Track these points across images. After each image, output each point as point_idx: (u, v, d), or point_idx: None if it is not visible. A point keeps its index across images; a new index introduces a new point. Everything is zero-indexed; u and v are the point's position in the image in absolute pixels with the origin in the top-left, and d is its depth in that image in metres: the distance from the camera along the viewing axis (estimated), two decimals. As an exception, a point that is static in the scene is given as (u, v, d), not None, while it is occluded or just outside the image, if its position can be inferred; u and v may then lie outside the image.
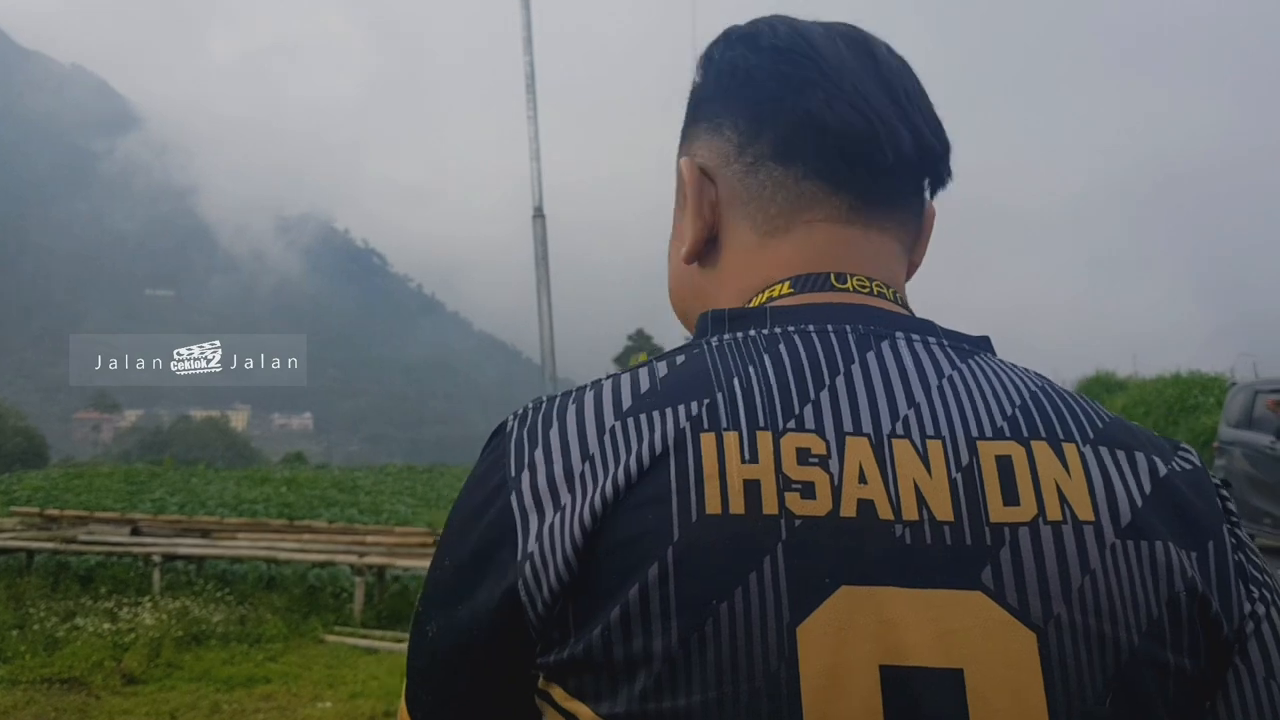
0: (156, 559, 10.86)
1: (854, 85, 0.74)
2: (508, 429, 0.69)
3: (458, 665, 0.67)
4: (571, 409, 0.67)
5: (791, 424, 0.64)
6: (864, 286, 0.74)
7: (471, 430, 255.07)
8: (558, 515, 0.63)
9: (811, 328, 0.70)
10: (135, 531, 11.61)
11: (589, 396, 0.68)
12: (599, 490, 0.62)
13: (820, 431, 0.63)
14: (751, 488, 0.61)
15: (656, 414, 0.64)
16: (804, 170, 0.75)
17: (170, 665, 8.57)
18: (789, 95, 0.75)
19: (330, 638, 9.85)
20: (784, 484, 0.61)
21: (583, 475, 0.63)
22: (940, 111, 0.79)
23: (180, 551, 10.94)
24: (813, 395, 0.65)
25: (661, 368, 0.69)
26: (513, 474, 0.66)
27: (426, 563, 10.01)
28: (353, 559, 10.51)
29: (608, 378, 0.70)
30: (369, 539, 10.91)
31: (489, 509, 0.66)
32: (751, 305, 0.75)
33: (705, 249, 0.80)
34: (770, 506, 0.61)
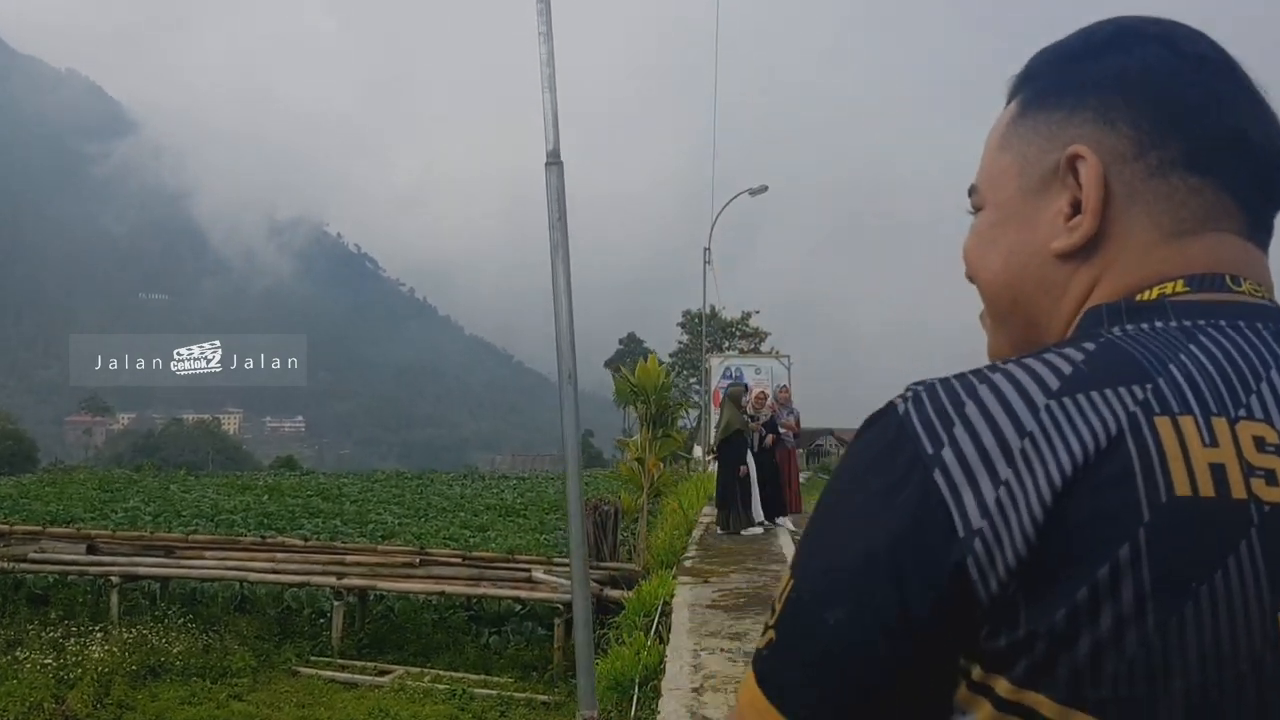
0: (115, 580, 9.85)
1: (1269, 108, 0.77)
2: (900, 410, 0.67)
3: (871, 656, 0.64)
4: (983, 388, 0.66)
5: (1243, 412, 0.64)
6: (1257, 291, 0.74)
7: (462, 433, 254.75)
8: (1002, 490, 0.62)
9: (1224, 323, 0.70)
10: (92, 549, 10.58)
11: (999, 378, 0.66)
12: (1052, 467, 0.61)
13: (1270, 421, 0.64)
14: (1217, 471, 0.62)
15: (1097, 395, 0.64)
16: (1218, 183, 0.75)
17: (121, 706, 7.59)
18: (1213, 108, 0.75)
19: (304, 670, 8.86)
20: (1248, 470, 0.62)
21: (1023, 451, 0.62)
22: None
23: (141, 572, 9.93)
24: (1254, 386, 0.66)
25: (1074, 353, 0.67)
26: (929, 449, 0.64)
27: (413, 585, 8.96)
28: (331, 580, 9.52)
29: (1005, 364, 0.68)
30: (349, 558, 9.89)
31: (904, 487, 0.64)
32: (1141, 300, 0.74)
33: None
34: (1239, 491, 0.61)
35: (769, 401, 12.72)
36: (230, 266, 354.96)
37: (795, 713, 0.65)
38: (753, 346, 48.55)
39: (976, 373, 0.67)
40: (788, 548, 10.88)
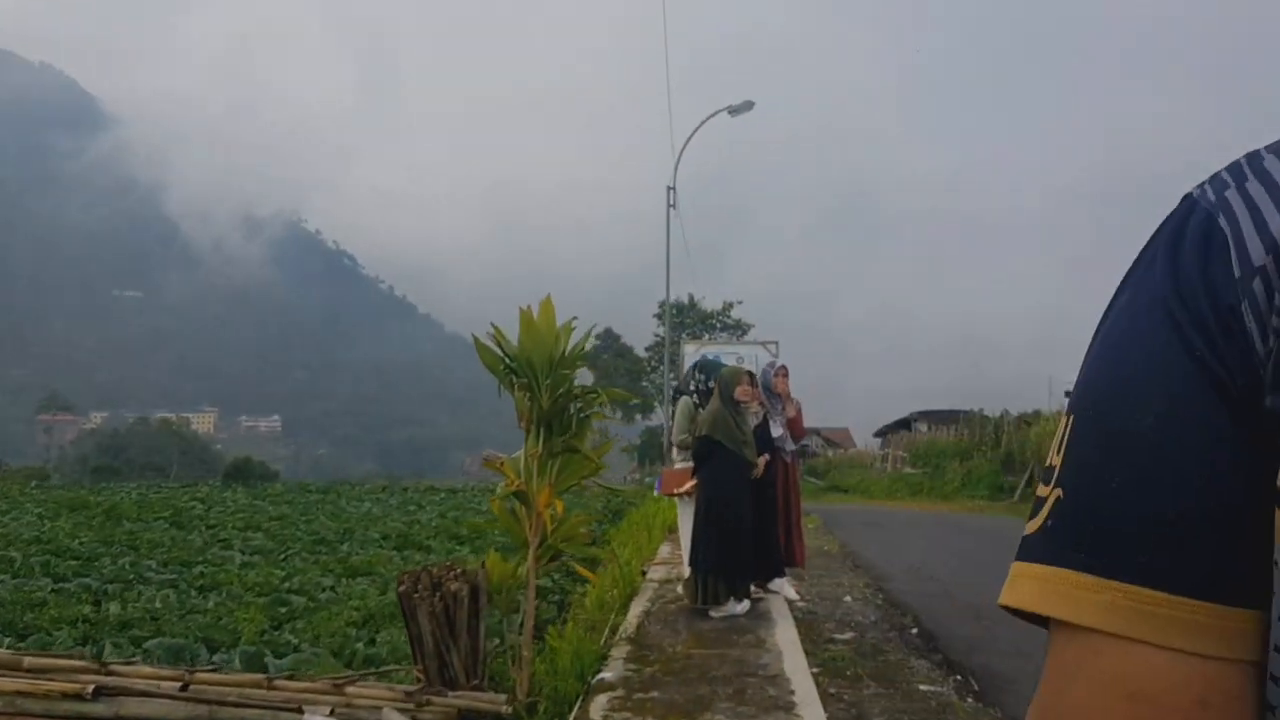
0: None
1: None
2: (1195, 192, 0.55)
3: (1184, 447, 0.49)
4: None
5: None
6: None
7: (442, 433, 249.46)
8: None
9: None
10: None
11: None
12: None
13: None
14: None
15: None
16: None
17: None
18: None
19: None
20: None
21: None
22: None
23: None
24: None
25: None
26: (1213, 198, 0.53)
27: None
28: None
29: None
30: (-27, 683, 5.36)
31: (1179, 240, 0.54)
32: None
33: None
34: None
35: (757, 389, 8.21)
36: (205, 263, 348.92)
37: (1128, 562, 0.49)
38: (736, 338, 44.04)
39: None
40: (787, 646, 6.38)
